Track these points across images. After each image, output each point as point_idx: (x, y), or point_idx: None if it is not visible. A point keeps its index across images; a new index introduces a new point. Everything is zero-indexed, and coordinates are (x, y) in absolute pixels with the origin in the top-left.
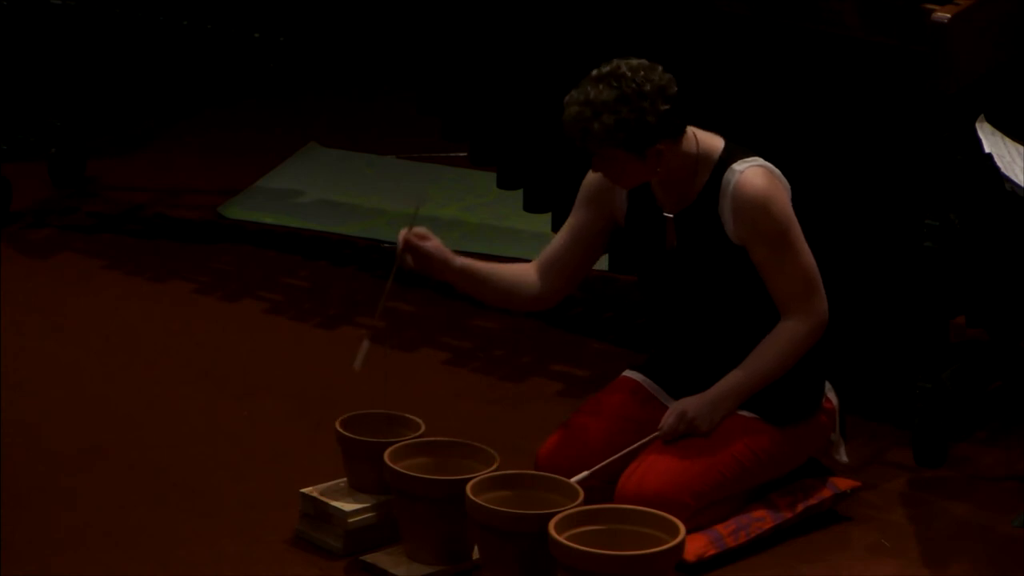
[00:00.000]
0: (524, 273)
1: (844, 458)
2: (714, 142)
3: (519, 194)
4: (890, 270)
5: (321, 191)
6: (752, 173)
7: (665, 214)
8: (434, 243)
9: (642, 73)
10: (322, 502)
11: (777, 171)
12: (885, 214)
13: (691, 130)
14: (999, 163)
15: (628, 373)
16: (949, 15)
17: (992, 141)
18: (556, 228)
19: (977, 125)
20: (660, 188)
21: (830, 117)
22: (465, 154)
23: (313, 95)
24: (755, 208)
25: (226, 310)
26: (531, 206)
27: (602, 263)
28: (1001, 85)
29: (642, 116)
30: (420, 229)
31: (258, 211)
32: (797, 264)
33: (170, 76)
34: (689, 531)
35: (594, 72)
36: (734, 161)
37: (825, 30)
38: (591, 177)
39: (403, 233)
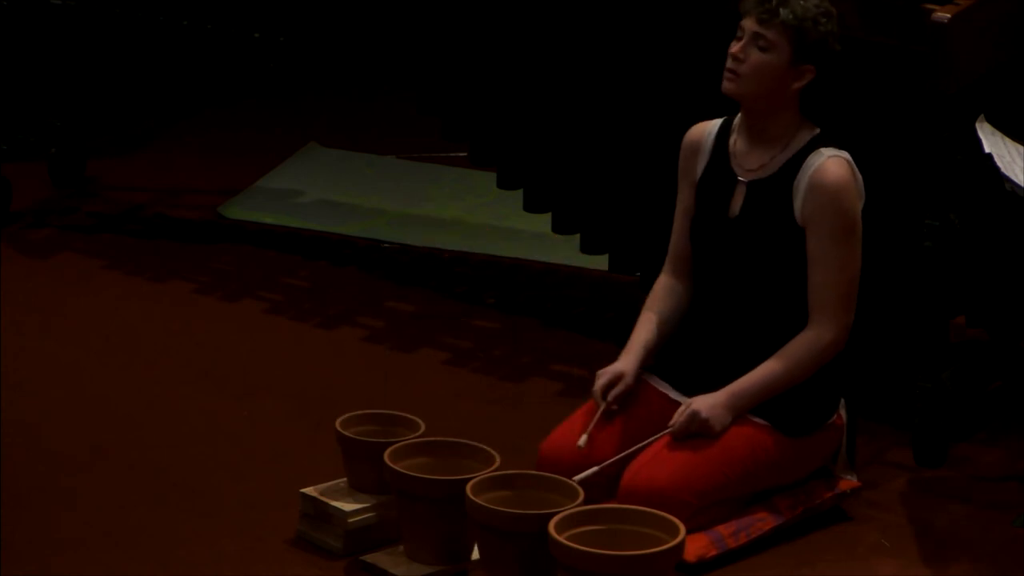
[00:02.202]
0: (671, 291)
1: (853, 478)
2: (812, 126)
3: (519, 194)
4: (890, 270)
5: (321, 191)
6: (838, 162)
7: (739, 179)
8: (608, 374)
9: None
10: (322, 502)
11: (860, 176)
12: (885, 214)
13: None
14: (999, 163)
15: None
16: (949, 15)
17: (992, 141)
18: (556, 228)
19: (977, 125)
20: (748, 147)
21: (830, 117)
22: (465, 154)
23: (313, 95)
24: (830, 193)
25: (226, 310)
26: (531, 206)
27: (602, 263)
28: (1001, 85)
29: (832, 33)
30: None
31: (258, 211)
32: (845, 268)
33: (170, 76)
34: (690, 531)
35: None
36: (825, 146)
37: None
38: (681, 153)
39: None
